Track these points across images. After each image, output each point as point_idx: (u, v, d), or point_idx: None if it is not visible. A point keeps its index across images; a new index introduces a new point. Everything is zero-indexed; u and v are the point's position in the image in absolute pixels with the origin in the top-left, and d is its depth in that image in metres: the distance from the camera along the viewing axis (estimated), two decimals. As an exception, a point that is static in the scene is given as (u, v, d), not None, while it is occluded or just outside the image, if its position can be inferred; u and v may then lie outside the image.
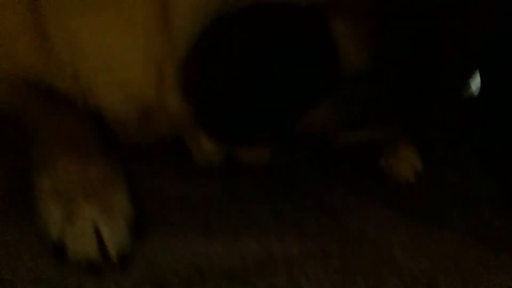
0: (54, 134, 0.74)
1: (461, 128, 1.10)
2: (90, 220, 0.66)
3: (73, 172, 0.70)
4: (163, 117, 0.79)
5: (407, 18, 0.65)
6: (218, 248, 0.73)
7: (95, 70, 0.73)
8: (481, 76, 1.18)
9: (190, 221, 0.77)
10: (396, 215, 0.85)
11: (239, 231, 0.77)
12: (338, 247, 0.77)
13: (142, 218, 0.72)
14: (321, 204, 0.84)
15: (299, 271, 0.72)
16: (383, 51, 0.62)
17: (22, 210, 0.70)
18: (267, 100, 0.61)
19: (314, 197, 0.85)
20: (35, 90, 0.78)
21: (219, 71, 0.62)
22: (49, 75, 0.76)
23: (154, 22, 0.70)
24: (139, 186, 0.76)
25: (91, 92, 0.75)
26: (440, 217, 0.86)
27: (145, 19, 0.70)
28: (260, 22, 0.60)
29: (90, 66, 0.73)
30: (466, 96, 1.18)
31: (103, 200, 0.68)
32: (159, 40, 0.70)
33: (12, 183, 0.75)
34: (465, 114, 1.13)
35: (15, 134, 0.81)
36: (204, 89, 0.65)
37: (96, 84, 0.74)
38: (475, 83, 1.19)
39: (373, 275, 0.74)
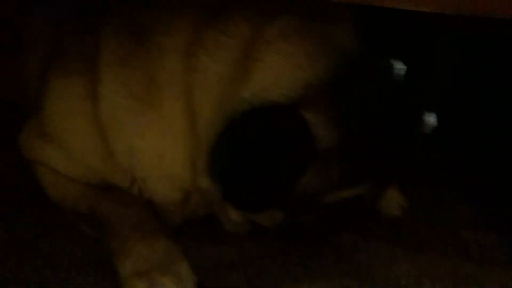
0: (125, 225, 0.94)
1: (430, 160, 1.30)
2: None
3: (146, 253, 0.89)
4: (199, 199, 0.99)
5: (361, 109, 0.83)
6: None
7: (148, 168, 0.93)
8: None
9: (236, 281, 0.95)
10: (394, 248, 1.05)
11: (277, 285, 0.95)
12: (356, 283, 0.96)
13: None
14: (336, 249, 1.03)
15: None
16: (346, 131, 0.82)
17: None
18: (269, 175, 0.81)
19: (329, 245, 1.04)
20: (102, 189, 0.98)
21: (236, 160, 0.82)
22: (111, 176, 0.98)
23: (186, 126, 0.89)
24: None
25: (145, 185, 0.96)
26: (432, 243, 1.06)
27: (180, 125, 0.90)
28: (260, 123, 0.80)
29: (144, 166, 0.93)
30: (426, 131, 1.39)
31: (174, 272, 0.87)
32: (191, 139, 0.90)
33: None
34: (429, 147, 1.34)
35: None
36: (227, 171, 0.84)
37: (149, 179, 0.95)
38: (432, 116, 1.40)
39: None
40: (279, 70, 0.81)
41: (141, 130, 0.91)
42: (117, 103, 0.91)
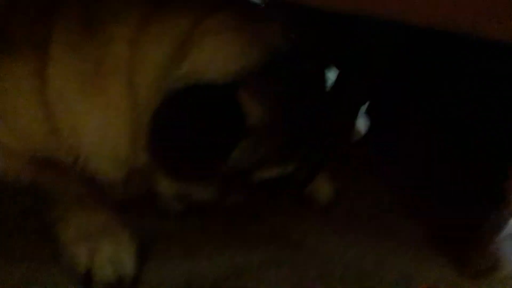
0: (67, 196, 0.97)
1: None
2: (108, 251, 0.89)
3: (89, 220, 0.93)
4: (140, 177, 1.03)
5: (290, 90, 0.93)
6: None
7: (91, 147, 0.98)
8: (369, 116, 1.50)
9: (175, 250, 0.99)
10: (324, 227, 1.13)
11: (213, 254, 1.01)
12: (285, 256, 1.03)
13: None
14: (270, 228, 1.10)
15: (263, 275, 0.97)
16: (274, 112, 0.90)
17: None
18: (203, 147, 0.88)
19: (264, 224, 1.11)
20: (45, 163, 1.00)
21: (169, 132, 0.88)
22: (55, 152, 1.00)
23: (128, 107, 0.95)
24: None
25: (88, 163, 0.99)
26: (357, 224, 1.16)
27: (122, 106, 0.95)
28: (196, 99, 0.87)
29: (87, 144, 0.97)
30: (355, 136, 1.49)
31: (114, 236, 0.92)
32: (132, 120, 0.96)
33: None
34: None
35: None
36: (162, 143, 0.90)
37: (92, 157, 0.98)
38: (362, 123, 1.51)
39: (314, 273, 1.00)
40: (215, 55, 0.89)
41: (86, 110, 0.95)
42: (65, 84, 0.95)
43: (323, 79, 1.04)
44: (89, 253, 0.88)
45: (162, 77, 0.91)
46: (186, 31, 0.92)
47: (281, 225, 1.11)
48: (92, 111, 0.95)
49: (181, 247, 1.00)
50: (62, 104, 0.96)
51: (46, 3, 1.01)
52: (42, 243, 0.94)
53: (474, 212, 1.10)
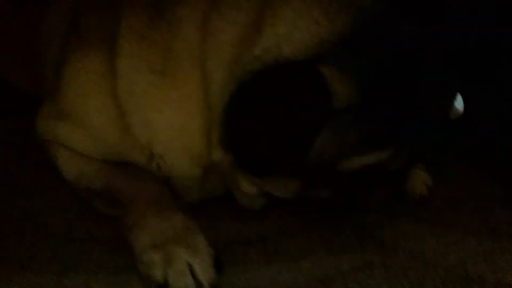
0: (141, 200, 0.91)
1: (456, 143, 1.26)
2: (184, 260, 0.81)
3: (163, 227, 0.86)
4: (214, 175, 0.96)
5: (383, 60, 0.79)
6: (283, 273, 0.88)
7: (166, 142, 0.91)
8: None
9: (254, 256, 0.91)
10: (420, 225, 1.00)
11: (296, 259, 0.91)
12: (379, 258, 0.92)
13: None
14: (359, 227, 0.99)
15: (353, 282, 0.87)
16: (365, 89, 0.77)
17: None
18: (282, 135, 0.78)
19: (351, 223, 1.00)
20: (119, 167, 0.97)
21: (246, 122, 0.80)
22: (129, 153, 0.95)
23: (201, 97, 0.88)
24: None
25: (163, 161, 0.93)
26: (459, 221, 1.02)
27: (196, 96, 0.88)
28: (273, 81, 0.78)
29: (161, 140, 0.91)
30: (452, 116, 1.34)
31: (190, 244, 0.84)
32: (206, 111, 0.88)
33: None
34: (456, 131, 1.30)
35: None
36: (238, 134, 0.82)
37: (167, 154, 0.92)
38: (459, 102, 1.36)
39: (414, 277, 0.88)
40: (294, 25, 0.78)
41: (158, 103, 0.90)
42: (135, 77, 0.90)
43: (425, 43, 0.85)
44: (165, 262, 0.81)
45: (236, 57, 0.82)
46: (260, 2, 0.82)
47: (372, 225, 1.00)
48: (163, 103, 0.89)
49: (259, 252, 0.92)
50: (132, 99, 0.91)
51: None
52: (115, 252, 0.89)
53: None
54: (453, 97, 1.29)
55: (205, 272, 0.81)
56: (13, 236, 0.92)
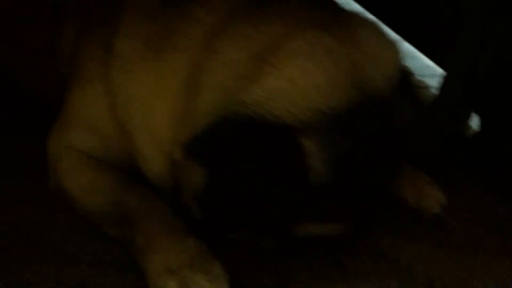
0: (152, 220, 0.87)
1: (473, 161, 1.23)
2: (203, 287, 0.78)
3: (177, 250, 0.82)
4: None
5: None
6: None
7: (138, 117, 0.90)
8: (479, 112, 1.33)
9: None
10: (437, 248, 0.97)
11: (310, 284, 0.88)
12: (396, 283, 0.89)
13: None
14: (375, 251, 0.96)
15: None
16: (343, 171, 0.75)
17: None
18: (255, 195, 0.75)
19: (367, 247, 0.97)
20: (129, 185, 0.94)
21: (217, 172, 0.77)
22: (122, 143, 0.94)
23: (181, 93, 0.86)
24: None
25: (134, 144, 0.91)
26: (477, 244, 0.99)
27: (177, 89, 0.86)
28: (256, 138, 0.75)
29: (135, 114, 0.90)
30: (467, 134, 1.32)
31: (206, 270, 0.80)
32: (180, 103, 0.86)
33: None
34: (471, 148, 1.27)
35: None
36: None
37: (137, 131, 0.91)
38: (474, 121, 1.33)
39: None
40: (294, 84, 0.75)
41: (141, 76, 0.89)
42: (130, 55, 0.90)
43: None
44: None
45: (229, 87, 0.79)
46: (270, 44, 0.80)
47: (388, 246, 0.97)
48: (146, 75, 0.89)
49: (272, 277, 0.89)
50: (122, 75, 0.91)
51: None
52: (123, 275, 0.86)
53: None
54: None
55: None
56: (20, 256, 0.89)
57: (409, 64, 1.82)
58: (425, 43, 1.79)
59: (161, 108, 0.87)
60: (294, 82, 0.75)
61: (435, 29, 1.62)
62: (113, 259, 0.89)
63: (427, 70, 1.77)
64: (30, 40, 1.23)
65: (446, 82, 1.28)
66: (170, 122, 0.86)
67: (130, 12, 0.92)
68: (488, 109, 1.32)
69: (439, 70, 1.74)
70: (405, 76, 0.88)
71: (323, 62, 0.76)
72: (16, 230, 0.95)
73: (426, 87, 1.68)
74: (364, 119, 0.76)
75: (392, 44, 0.86)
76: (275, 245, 0.88)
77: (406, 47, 1.92)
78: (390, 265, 0.93)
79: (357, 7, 1.97)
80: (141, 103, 0.89)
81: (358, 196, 0.80)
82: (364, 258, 0.94)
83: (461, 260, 0.94)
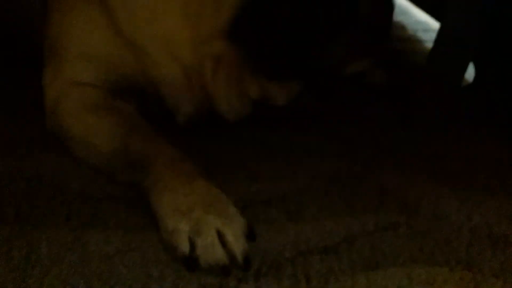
0: (160, 160, 0.84)
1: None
2: (214, 229, 0.73)
3: (187, 190, 0.78)
4: (201, 81, 0.93)
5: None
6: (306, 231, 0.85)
7: (144, 27, 0.88)
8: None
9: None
10: (442, 186, 0.99)
11: (319, 219, 0.89)
12: (403, 218, 0.90)
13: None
14: (380, 188, 0.98)
15: (379, 241, 0.85)
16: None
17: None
18: (305, 31, 0.77)
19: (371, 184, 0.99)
20: (135, 127, 0.92)
21: (269, 21, 0.78)
22: (123, 59, 0.92)
23: None
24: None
25: (146, 56, 0.90)
26: (480, 181, 1.01)
27: None
28: None
29: (140, 25, 0.89)
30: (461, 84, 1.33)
31: (220, 211, 0.76)
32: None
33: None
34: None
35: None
36: (259, 27, 0.80)
37: (145, 42, 0.89)
38: (469, 72, 1.35)
39: (438, 238, 0.86)
40: None
41: None
42: None
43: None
44: (192, 231, 0.73)
45: None
46: None
47: (393, 186, 0.98)
48: None
49: (281, 212, 0.89)
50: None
51: None
52: (132, 210, 0.85)
53: None
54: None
55: (238, 243, 0.73)
56: (27, 195, 0.87)
57: (402, 19, 1.85)
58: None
59: (173, 9, 0.85)
60: None
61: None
62: (122, 194, 0.88)
63: (420, 25, 1.78)
64: None
65: (441, 34, 1.29)
66: (178, 17, 0.86)
67: None
68: (484, 59, 1.33)
69: (432, 25, 1.75)
70: None
71: None
72: (20, 171, 0.93)
73: (419, 41, 1.70)
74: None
75: None
76: (323, 89, 0.89)
77: (399, 2, 1.93)
78: (395, 202, 0.94)
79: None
80: (149, 10, 0.87)
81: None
82: (369, 194, 0.96)
83: (465, 197, 0.96)
